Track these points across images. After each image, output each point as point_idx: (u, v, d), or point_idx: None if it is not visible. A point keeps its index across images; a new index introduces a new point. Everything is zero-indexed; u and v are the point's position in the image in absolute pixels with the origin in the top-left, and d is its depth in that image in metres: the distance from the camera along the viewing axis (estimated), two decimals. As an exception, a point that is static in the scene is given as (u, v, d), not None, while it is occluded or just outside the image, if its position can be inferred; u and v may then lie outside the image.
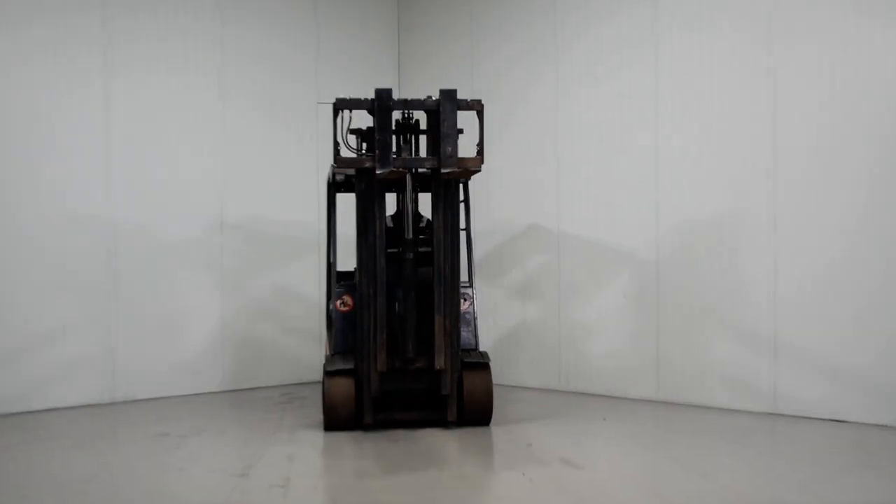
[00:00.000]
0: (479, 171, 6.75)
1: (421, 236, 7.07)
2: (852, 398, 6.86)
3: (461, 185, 7.56)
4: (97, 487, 5.35)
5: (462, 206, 7.59)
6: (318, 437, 6.69)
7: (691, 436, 6.73)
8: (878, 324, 6.72)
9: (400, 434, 6.67)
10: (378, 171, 6.54)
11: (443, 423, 6.87)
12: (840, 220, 6.92)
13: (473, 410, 6.87)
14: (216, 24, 9.07)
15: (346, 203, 8.09)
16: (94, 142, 8.26)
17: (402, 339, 6.78)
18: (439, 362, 6.68)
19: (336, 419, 6.76)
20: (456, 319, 6.83)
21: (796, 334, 7.18)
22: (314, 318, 9.63)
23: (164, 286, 8.68)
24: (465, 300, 7.24)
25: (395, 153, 6.76)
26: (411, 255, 6.82)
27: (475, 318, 7.33)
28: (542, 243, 9.04)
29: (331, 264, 7.73)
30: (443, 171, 6.61)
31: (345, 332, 7.16)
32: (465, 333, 7.14)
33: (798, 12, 7.15)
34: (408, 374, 6.84)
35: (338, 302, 7.25)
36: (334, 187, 7.70)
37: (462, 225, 7.51)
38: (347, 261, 8.11)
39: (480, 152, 6.75)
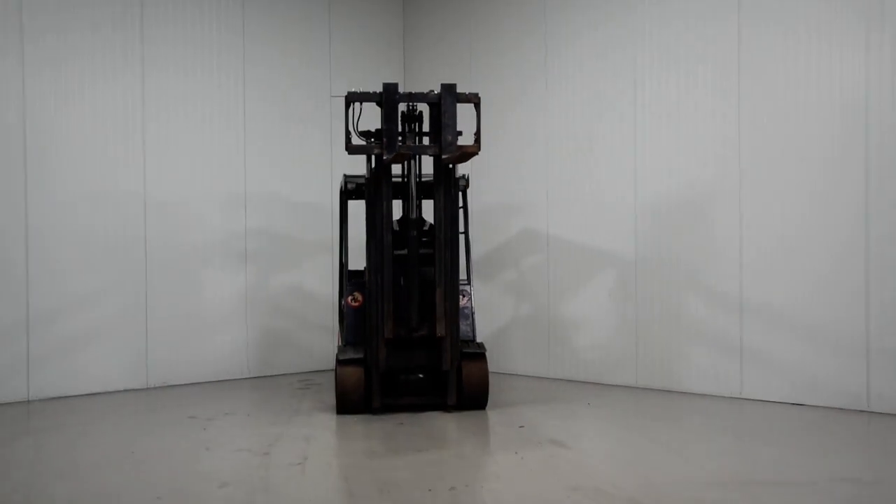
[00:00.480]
0: (477, 154, 6.67)
1: (423, 238, 7.05)
2: (809, 386, 6.88)
3: (461, 194, 7.56)
4: (133, 465, 5.35)
5: (461, 212, 7.58)
6: (331, 419, 6.69)
7: (668, 419, 6.73)
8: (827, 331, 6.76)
9: (405, 417, 6.66)
10: (385, 156, 6.53)
11: (443, 406, 6.86)
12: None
13: (471, 395, 6.86)
14: (238, 28, 9.05)
15: (356, 215, 8.10)
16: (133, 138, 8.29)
17: (406, 311, 6.76)
18: (440, 329, 6.65)
19: (347, 403, 6.76)
20: (455, 295, 6.77)
21: (759, 332, 7.19)
22: (327, 313, 9.60)
23: (193, 287, 8.68)
24: (464, 296, 7.22)
25: (400, 141, 6.73)
26: (415, 233, 6.82)
27: (473, 313, 7.31)
28: (533, 246, 9.02)
29: (343, 264, 7.75)
30: (444, 156, 6.60)
31: (355, 325, 7.15)
32: (463, 326, 7.12)
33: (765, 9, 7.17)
34: (412, 350, 6.78)
35: (349, 298, 7.24)
36: (346, 195, 7.70)
37: (461, 229, 7.51)
38: (357, 261, 8.12)
39: (478, 140, 6.72)
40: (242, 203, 9.04)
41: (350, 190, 7.59)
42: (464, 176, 7.45)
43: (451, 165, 6.81)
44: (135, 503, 4.47)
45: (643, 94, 8.01)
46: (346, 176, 7.58)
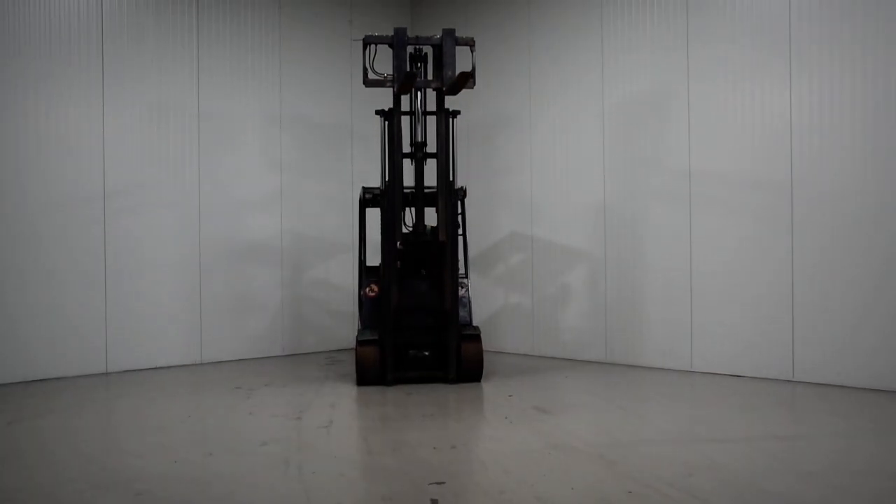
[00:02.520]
0: (472, 88, 6.60)
1: (428, 240, 7.01)
2: (747, 359, 6.91)
3: (459, 202, 7.52)
4: (189, 426, 5.40)
5: (460, 217, 7.54)
6: (352, 390, 6.69)
7: (632, 389, 6.74)
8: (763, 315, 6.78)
9: (413, 388, 6.66)
10: (396, 86, 6.50)
11: (445, 379, 6.84)
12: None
13: (468, 370, 6.85)
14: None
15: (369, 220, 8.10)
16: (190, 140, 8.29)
17: (414, 223, 6.87)
18: (442, 235, 6.63)
19: (365, 376, 6.76)
20: (454, 207, 6.75)
21: (706, 315, 7.21)
22: (349, 302, 9.59)
23: (239, 280, 8.68)
24: (462, 287, 7.16)
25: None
26: (421, 155, 6.83)
27: (470, 301, 7.29)
28: (519, 245, 9.00)
29: (362, 261, 7.71)
30: (444, 87, 6.60)
31: (371, 312, 7.12)
32: (462, 313, 7.06)
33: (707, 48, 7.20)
34: (419, 294, 6.79)
35: (366, 289, 7.22)
36: (364, 204, 7.64)
37: (460, 231, 7.47)
38: (372, 258, 8.12)
39: (473, 75, 6.64)
40: (279, 210, 9.04)
41: (368, 199, 7.55)
42: (462, 187, 7.44)
43: (452, 116, 6.78)
44: (191, 457, 4.51)
45: (610, 107, 8.03)
46: (364, 188, 7.54)
